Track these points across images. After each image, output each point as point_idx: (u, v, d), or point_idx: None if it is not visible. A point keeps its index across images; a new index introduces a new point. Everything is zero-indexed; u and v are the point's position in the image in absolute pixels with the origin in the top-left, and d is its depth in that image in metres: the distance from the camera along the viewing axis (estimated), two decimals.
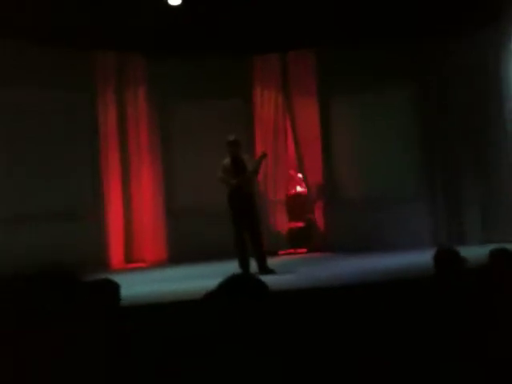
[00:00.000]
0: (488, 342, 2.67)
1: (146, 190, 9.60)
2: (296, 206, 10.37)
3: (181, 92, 9.55)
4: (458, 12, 8.34)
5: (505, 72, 8.47)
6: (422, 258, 4.50)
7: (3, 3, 7.80)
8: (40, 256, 7.72)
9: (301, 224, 9.99)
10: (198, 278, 7.05)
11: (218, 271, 7.34)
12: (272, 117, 10.01)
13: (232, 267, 7.18)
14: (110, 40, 8.97)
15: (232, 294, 2.09)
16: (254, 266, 7.29)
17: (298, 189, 10.79)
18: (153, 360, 2.43)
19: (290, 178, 10.53)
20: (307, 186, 10.26)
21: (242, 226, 7.31)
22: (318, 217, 9.96)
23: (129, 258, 9.46)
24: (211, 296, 2.19)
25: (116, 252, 9.27)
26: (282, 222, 9.98)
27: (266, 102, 10.02)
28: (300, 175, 10.74)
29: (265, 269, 7.21)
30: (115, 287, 2.98)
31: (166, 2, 8.75)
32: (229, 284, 2.12)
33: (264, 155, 7.86)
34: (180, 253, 9.19)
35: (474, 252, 4.31)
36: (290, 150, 10.31)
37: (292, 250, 9.80)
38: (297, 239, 9.89)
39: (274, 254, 9.12)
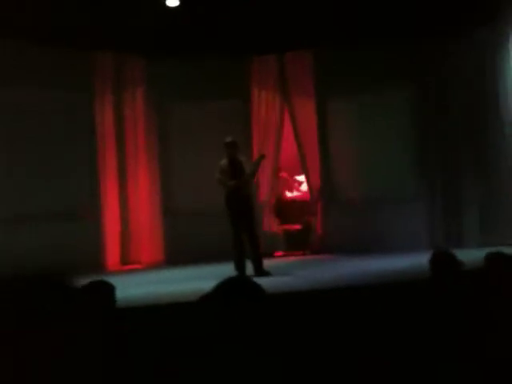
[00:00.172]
0: (484, 345, 2.67)
1: (142, 191, 9.59)
2: (293, 208, 10.36)
3: (179, 92, 9.54)
4: (457, 12, 8.33)
5: (502, 72, 8.47)
6: (419, 260, 4.49)
7: (3, 3, 7.80)
8: (36, 256, 7.71)
9: (298, 226, 9.98)
10: (195, 280, 7.05)
11: (214, 273, 7.34)
12: (269, 118, 10.00)
13: (228, 269, 7.18)
14: (109, 40, 8.97)
15: (228, 297, 2.08)
16: (249, 268, 7.28)
17: (295, 191, 10.79)
18: (149, 361, 2.42)
19: (282, 180, 10.50)
20: (308, 187, 10.28)
21: (240, 228, 7.31)
22: (317, 218, 9.97)
23: (125, 259, 9.44)
24: (207, 298, 2.19)
25: (112, 253, 9.26)
26: (273, 224, 9.95)
27: (264, 103, 10.01)
28: (298, 177, 10.76)
29: (261, 271, 7.20)
30: (110, 289, 2.98)
31: (165, 3, 8.76)
32: (225, 287, 2.11)
33: (262, 157, 7.87)
34: (176, 254, 9.18)
35: (471, 255, 4.29)
36: (284, 151, 10.29)
37: (289, 252, 9.78)
38: (294, 241, 9.88)
39: (269, 255, 9.14)
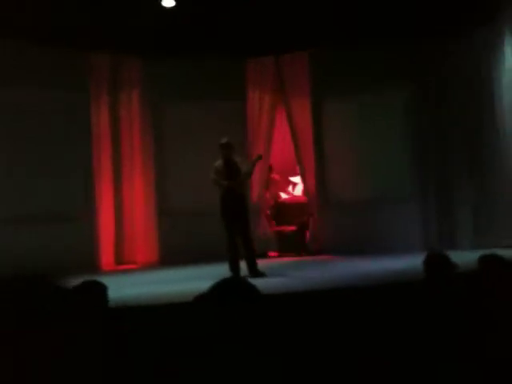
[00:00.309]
0: (479, 346, 2.68)
1: (138, 191, 9.58)
2: (288, 209, 10.38)
3: (175, 93, 9.54)
4: (457, 12, 8.33)
5: (498, 72, 8.49)
6: (413, 261, 4.51)
7: (3, 3, 7.79)
8: (32, 256, 7.71)
9: (293, 227, 9.99)
10: (189, 280, 7.05)
11: (208, 273, 7.35)
12: (265, 119, 10.01)
13: (223, 270, 7.18)
14: (105, 41, 8.96)
15: (223, 298, 2.09)
16: (244, 269, 7.28)
17: (290, 192, 10.80)
18: (143, 361, 2.43)
19: (274, 182, 10.51)
20: (304, 188, 10.30)
21: (234, 229, 7.31)
22: (312, 220, 9.99)
23: (120, 259, 9.44)
24: (202, 299, 2.19)
25: (107, 253, 9.25)
26: (267, 225, 9.96)
27: (260, 105, 10.02)
28: (293, 178, 10.77)
29: (255, 271, 7.21)
30: (102, 289, 2.97)
31: (161, 4, 8.76)
32: (220, 287, 2.12)
33: (259, 157, 7.87)
34: (171, 255, 9.18)
35: (465, 257, 4.31)
36: (278, 153, 10.30)
37: (284, 253, 9.79)
38: (289, 242, 9.89)
39: (264, 255, 9.14)
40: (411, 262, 5.24)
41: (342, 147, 9.69)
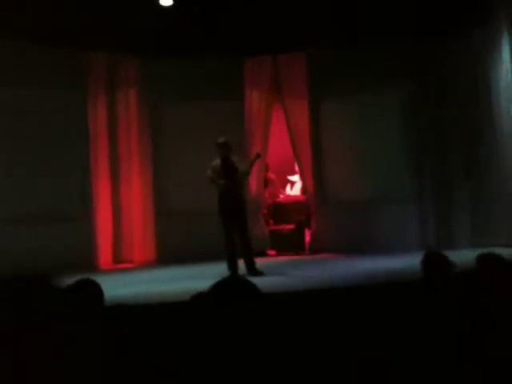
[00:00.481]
0: (476, 345, 2.68)
1: (135, 191, 9.58)
2: (286, 208, 10.38)
3: (172, 93, 9.53)
4: (457, 12, 8.33)
5: (496, 73, 8.48)
6: (411, 261, 4.51)
7: (3, 3, 7.77)
8: (29, 256, 7.71)
9: (291, 226, 9.99)
10: (186, 280, 7.05)
11: (206, 273, 7.36)
12: (262, 119, 10.00)
13: (220, 268, 7.18)
14: (104, 41, 8.95)
15: (222, 297, 2.09)
16: (241, 268, 7.28)
17: (288, 191, 10.81)
18: (140, 360, 2.42)
19: (269, 181, 10.50)
20: (302, 188, 10.30)
21: (232, 228, 7.31)
22: (310, 219, 9.99)
23: (118, 258, 9.44)
24: (199, 298, 2.19)
25: (104, 252, 9.25)
26: (264, 224, 9.95)
27: (258, 104, 10.01)
28: (291, 177, 10.78)
29: (253, 270, 7.20)
30: (97, 287, 2.95)
31: (159, 3, 8.74)
32: (221, 286, 2.12)
33: (257, 156, 7.87)
34: (168, 254, 9.18)
35: (463, 256, 4.31)
36: (274, 152, 10.29)
37: (282, 252, 9.79)
38: (287, 241, 9.89)
39: (262, 254, 9.14)
40: (409, 262, 5.24)
41: (341, 147, 9.69)
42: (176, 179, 9.56)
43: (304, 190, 10.36)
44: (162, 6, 8.77)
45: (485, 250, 3.64)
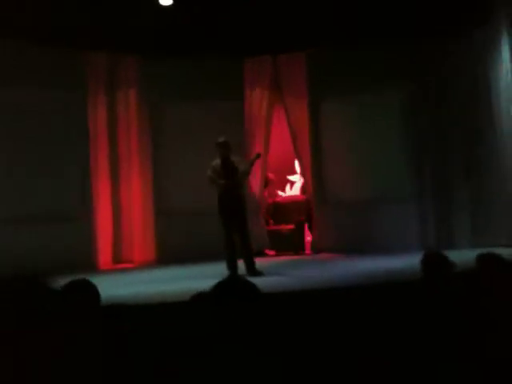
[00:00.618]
0: (476, 345, 2.68)
1: (135, 190, 9.58)
2: (286, 208, 10.38)
3: (173, 93, 9.53)
4: (457, 12, 8.32)
5: (496, 73, 8.48)
6: (411, 261, 4.51)
7: (3, 3, 7.77)
8: (28, 256, 7.70)
9: (291, 226, 9.99)
10: (186, 279, 7.06)
11: (205, 273, 7.36)
12: (262, 119, 10.01)
13: (220, 268, 7.18)
14: (104, 41, 8.95)
15: (222, 297, 2.09)
16: (241, 268, 7.28)
17: (288, 191, 10.81)
18: (140, 361, 2.42)
19: (268, 181, 10.51)
20: (304, 188, 10.31)
21: (232, 228, 7.30)
22: (310, 219, 9.99)
23: (117, 258, 9.44)
24: (199, 298, 2.19)
25: (104, 252, 9.25)
26: (263, 224, 9.96)
27: (258, 104, 10.02)
28: (291, 177, 10.78)
29: (253, 270, 7.20)
30: (92, 288, 2.93)
31: (158, 3, 8.75)
32: (220, 287, 2.12)
33: (257, 156, 7.86)
34: (168, 254, 9.18)
35: (463, 256, 4.31)
36: (273, 152, 10.29)
37: (281, 252, 9.80)
38: (287, 241, 9.89)
39: (261, 254, 9.15)
40: (409, 262, 5.24)
41: (341, 147, 9.69)
42: (176, 179, 9.56)
43: (304, 189, 10.37)
44: (161, 5, 8.77)
45: (485, 250, 3.64)
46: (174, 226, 9.42)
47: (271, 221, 10.34)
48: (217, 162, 7.36)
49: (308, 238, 10.07)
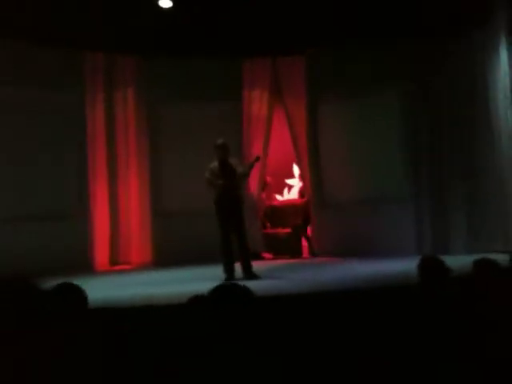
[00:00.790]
0: (472, 349, 2.69)
1: (132, 192, 9.57)
2: (283, 212, 10.38)
3: (171, 93, 9.53)
4: (457, 13, 8.32)
5: (494, 74, 8.49)
6: (408, 265, 4.51)
7: (3, 3, 7.78)
8: (24, 256, 7.69)
9: (288, 229, 10.00)
10: (183, 282, 7.05)
11: (202, 275, 7.36)
12: (261, 121, 10.01)
13: (217, 271, 7.18)
14: (103, 41, 8.95)
15: (218, 301, 2.10)
16: (238, 271, 7.27)
17: (286, 195, 10.81)
18: (136, 362, 2.42)
19: (266, 184, 10.52)
20: (300, 190, 10.31)
21: (229, 230, 7.29)
22: (308, 222, 10.01)
23: (114, 260, 9.43)
24: (196, 301, 2.20)
25: (101, 254, 9.24)
26: (260, 227, 9.97)
27: (257, 106, 10.02)
28: (289, 181, 10.79)
29: (250, 273, 7.19)
30: (79, 291, 2.91)
31: (157, 4, 8.76)
32: (215, 292, 2.13)
33: (256, 159, 7.85)
34: (165, 255, 9.16)
35: (459, 261, 4.32)
36: (272, 156, 10.31)
37: (278, 255, 9.80)
38: (283, 244, 9.89)
39: (258, 257, 9.15)
40: (406, 266, 5.24)
41: (340, 148, 9.68)
42: (174, 180, 9.56)
43: (302, 193, 10.38)
44: (161, 7, 8.79)
45: (481, 256, 3.65)
46: (171, 228, 9.40)
47: (268, 224, 10.35)
48: (215, 164, 7.36)
49: (305, 241, 10.08)
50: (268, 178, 10.60)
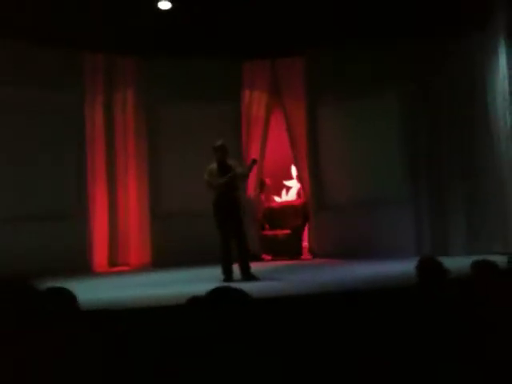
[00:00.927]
0: (471, 352, 2.69)
1: (131, 192, 9.57)
2: (282, 213, 10.38)
3: (170, 94, 9.53)
4: (457, 13, 8.32)
5: (493, 75, 8.49)
6: (406, 266, 4.51)
7: (3, 3, 7.78)
8: (23, 257, 7.68)
9: (287, 231, 10.00)
10: (182, 283, 7.05)
11: (201, 276, 7.36)
12: (260, 122, 10.02)
13: (216, 272, 7.17)
14: (103, 41, 8.95)
15: (215, 303, 2.10)
16: (236, 272, 7.27)
17: (284, 196, 10.81)
18: (133, 363, 2.42)
19: (265, 185, 10.52)
20: (299, 192, 10.32)
21: (228, 231, 7.29)
22: (307, 224, 10.00)
23: (113, 261, 9.42)
24: (196, 303, 2.20)
25: (100, 255, 9.23)
26: (257, 228, 9.98)
27: (256, 106, 10.03)
28: (287, 182, 10.79)
29: (248, 275, 7.18)
30: (69, 294, 2.89)
31: (157, 5, 8.76)
32: (212, 295, 2.14)
33: (253, 162, 7.84)
34: (164, 257, 9.15)
35: (458, 263, 4.32)
36: (271, 157, 10.31)
37: (277, 257, 9.80)
38: (282, 246, 9.89)
39: (258, 258, 9.15)
40: (405, 267, 5.24)
41: (339, 150, 9.68)
42: (173, 181, 9.56)
43: (299, 194, 10.38)
44: (161, 9, 8.80)
45: (480, 257, 3.65)
46: (170, 229, 9.39)
47: (267, 225, 10.34)
48: (213, 165, 7.35)
49: (304, 242, 10.08)
50: (267, 180, 10.60)
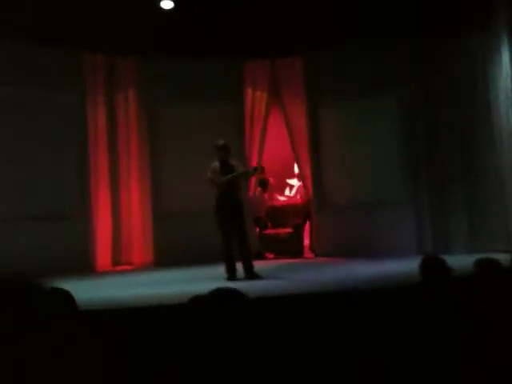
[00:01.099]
0: (474, 350, 2.68)
1: (134, 192, 9.56)
2: (284, 212, 10.38)
3: (171, 94, 9.52)
4: (457, 12, 8.31)
5: (495, 74, 8.49)
6: (409, 265, 4.51)
7: (3, 3, 7.77)
8: (25, 257, 7.68)
9: (289, 230, 10.00)
10: (184, 282, 7.05)
11: (203, 275, 7.36)
12: (260, 122, 10.01)
13: (218, 271, 7.18)
14: (103, 41, 8.95)
15: (216, 303, 2.10)
16: (240, 271, 7.27)
17: (287, 195, 10.81)
18: (136, 362, 2.42)
19: (269, 184, 10.52)
20: (300, 191, 10.31)
21: (230, 230, 7.28)
22: (308, 222, 9.99)
23: (116, 260, 9.42)
24: (197, 302, 2.19)
25: (103, 254, 9.23)
26: (257, 227, 9.97)
27: (256, 107, 10.02)
28: (290, 181, 10.79)
29: (251, 273, 7.18)
30: (66, 294, 2.87)
31: (158, 5, 8.76)
32: (213, 296, 2.13)
33: (255, 170, 7.82)
34: (167, 256, 9.15)
35: (461, 261, 4.31)
36: (274, 156, 10.30)
37: (279, 256, 9.80)
38: (285, 245, 9.89)
39: (260, 257, 9.15)
40: (407, 266, 5.24)
41: (339, 150, 9.68)
42: (174, 180, 9.55)
43: (302, 193, 10.38)
44: (162, 8, 8.79)
45: (482, 255, 3.65)
46: (172, 229, 9.39)
47: (269, 224, 10.35)
48: (216, 164, 7.35)
49: (306, 241, 10.08)
50: (271, 179, 10.61)
